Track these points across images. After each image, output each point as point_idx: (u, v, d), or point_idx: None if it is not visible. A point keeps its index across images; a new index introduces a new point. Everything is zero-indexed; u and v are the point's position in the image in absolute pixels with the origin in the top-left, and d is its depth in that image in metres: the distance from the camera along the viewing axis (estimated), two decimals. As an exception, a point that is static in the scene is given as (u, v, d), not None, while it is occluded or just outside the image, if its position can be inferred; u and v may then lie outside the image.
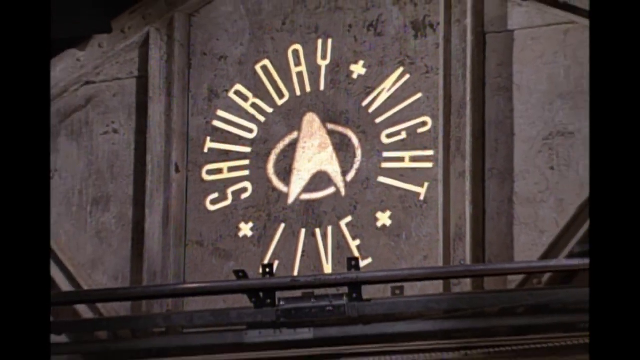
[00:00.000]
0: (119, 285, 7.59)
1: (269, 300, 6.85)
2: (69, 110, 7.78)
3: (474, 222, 6.87)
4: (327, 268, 7.09)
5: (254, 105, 7.42)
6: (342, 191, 7.17)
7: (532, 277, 6.72)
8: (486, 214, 6.90)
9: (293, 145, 7.34)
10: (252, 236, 7.31)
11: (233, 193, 7.41)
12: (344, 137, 7.20)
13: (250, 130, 7.42)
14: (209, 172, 7.48)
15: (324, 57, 7.30)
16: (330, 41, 7.30)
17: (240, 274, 7.00)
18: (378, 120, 7.16)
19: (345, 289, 6.75)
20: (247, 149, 7.43)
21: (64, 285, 7.50)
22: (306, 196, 7.25)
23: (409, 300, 6.78)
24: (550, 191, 6.75)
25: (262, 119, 7.42)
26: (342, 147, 7.20)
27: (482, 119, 6.95)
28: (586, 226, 6.52)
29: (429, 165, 6.99)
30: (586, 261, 6.35)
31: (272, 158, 7.34)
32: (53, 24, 7.62)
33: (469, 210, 6.87)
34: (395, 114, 7.11)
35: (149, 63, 7.65)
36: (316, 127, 7.27)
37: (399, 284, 6.80)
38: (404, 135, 7.07)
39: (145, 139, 7.63)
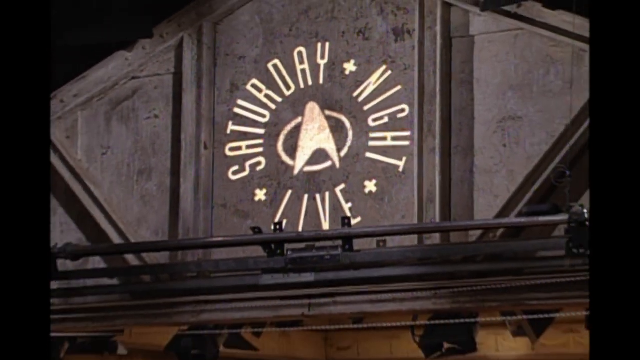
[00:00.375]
0: (160, 239, 7.64)
1: (279, 251, 6.87)
2: (119, 100, 7.80)
3: (442, 189, 6.89)
4: (325, 225, 7.12)
5: (266, 96, 7.42)
6: (337, 164, 7.18)
7: (488, 232, 6.75)
8: (452, 181, 6.93)
9: (298, 127, 7.35)
10: (265, 200, 7.36)
11: (250, 166, 7.42)
12: (339, 121, 7.21)
13: (263, 116, 7.43)
14: (231, 149, 7.49)
15: (322, 57, 7.30)
16: (327, 44, 7.30)
17: (256, 230, 7.04)
18: (366, 108, 7.17)
19: (339, 242, 6.78)
20: (261, 131, 7.43)
21: (116, 239, 7.56)
22: (308, 168, 7.27)
23: (390, 250, 6.82)
24: (503, 164, 6.77)
25: (273, 106, 7.43)
26: (337, 129, 7.21)
27: (448, 106, 6.97)
28: (532, 191, 6.60)
29: (407, 143, 7.01)
30: (532, 219, 6.45)
31: (281, 138, 7.35)
32: (107, 31, 7.71)
33: (438, 179, 6.88)
34: (379, 102, 7.13)
35: (182, 62, 7.66)
36: (316, 113, 7.29)
37: (382, 238, 6.82)
38: (386, 119, 7.07)
39: (180, 122, 7.63)
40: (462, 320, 7.02)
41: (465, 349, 7.39)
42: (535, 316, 7.12)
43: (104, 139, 7.84)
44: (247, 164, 7.48)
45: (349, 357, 12.51)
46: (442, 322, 7.08)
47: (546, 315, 7.08)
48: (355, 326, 7.90)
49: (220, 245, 7.33)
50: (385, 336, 12.15)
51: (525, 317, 7.38)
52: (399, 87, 7.10)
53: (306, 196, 7.26)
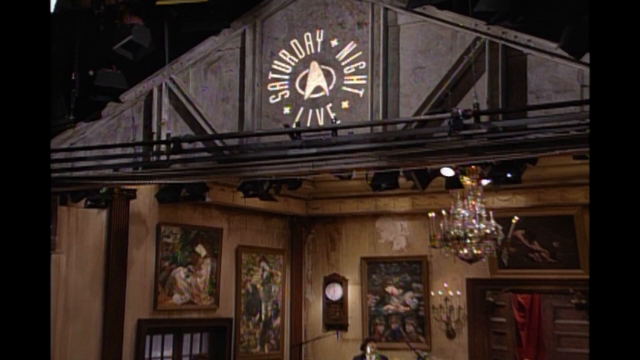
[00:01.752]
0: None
1: (298, 137, 6.82)
2: (211, 62, 7.67)
3: (383, 105, 6.84)
4: (321, 123, 7.03)
5: (289, 59, 7.30)
6: (327, 93, 7.08)
7: (408, 124, 6.76)
8: (388, 101, 6.85)
9: (306, 75, 7.21)
10: (290, 112, 7.24)
11: (281, 95, 7.31)
12: (328, 71, 7.10)
13: (287, 69, 7.32)
14: (271, 87, 7.37)
15: (319, 37, 7.19)
16: (322, 31, 7.20)
17: (285, 126, 7.03)
18: (343, 64, 7.07)
19: (330, 132, 6.72)
20: (287, 77, 7.31)
21: (210, 132, 7.51)
22: (312, 96, 7.16)
23: (356, 135, 6.74)
24: (415, 91, 6.75)
25: (292, 64, 7.30)
26: (327, 75, 7.10)
27: (386, 61, 6.88)
28: (430, 104, 6.66)
29: (364, 82, 6.94)
30: (431, 116, 6.54)
31: (298, 80, 7.22)
32: (205, 24, 7.56)
33: (381, 99, 6.84)
34: (351, 60, 7.04)
35: (245, 42, 7.51)
36: (316, 67, 7.16)
37: (351, 130, 6.75)
38: (353, 69, 6.98)
39: (244, 73, 7.49)
40: (392, 170, 7.09)
41: (392, 187, 7.38)
42: (428, 168, 7.14)
43: (203, 82, 7.71)
44: (279, 94, 7.35)
45: (318, 212, 12.54)
46: (381, 171, 7.14)
47: (434, 167, 7.14)
48: (339, 175, 7.79)
49: (266, 134, 7.22)
50: (336, 202, 12.27)
51: (415, 169, 7.32)
52: (360, 52, 7.01)
53: (311, 110, 7.15)
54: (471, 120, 6.15)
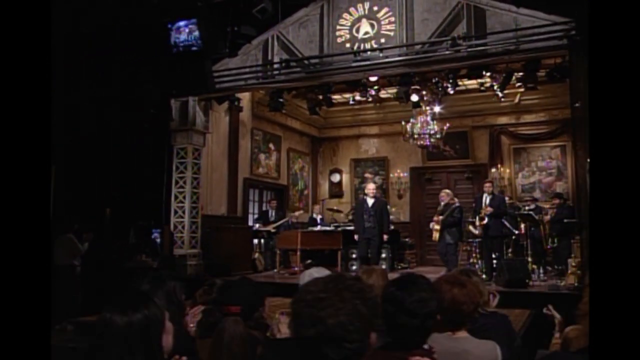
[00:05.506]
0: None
1: (357, 55, 6.73)
2: (303, 21, 7.36)
3: (405, 39, 6.69)
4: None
5: (349, 18, 7.05)
6: (372, 35, 6.86)
7: (422, 46, 6.63)
8: (407, 37, 6.67)
9: (359, 26, 6.99)
10: (349, 46, 6.96)
11: (343, 37, 7.04)
12: (372, 23, 6.91)
13: (347, 24, 7.05)
14: (337, 34, 7.08)
15: (367, 5, 7.00)
16: (368, 2, 6.98)
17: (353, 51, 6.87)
18: (380, 19, 6.88)
19: (375, 52, 6.64)
20: (347, 28, 7.05)
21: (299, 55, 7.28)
22: (363, 36, 6.91)
23: (390, 54, 6.67)
24: (423, 31, 6.63)
25: (350, 21, 7.06)
26: (372, 26, 6.91)
27: (406, 17, 6.70)
28: (435, 35, 6.54)
29: (394, 27, 6.75)
30: (435, 39, 6.30)
31: (354, 29, 7.00)
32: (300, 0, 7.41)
33: (405, 36, 6.70)
34: (385, 17, 6.84)
35: (323, 9, 7.26)
36: (365, 21, 6.94)
37: (387, 52, 6.67)
38: (387, 21, 6.83)
39: (322, 27, 7.21)
40: (412, 72, 7.09)
41: (407, 99, 7.27)
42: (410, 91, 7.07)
43: (298, 33, 7.38)
44: (343, 37, 7.03)
45: (326, 135, 12.27)
46: (402, 89, 7.14)
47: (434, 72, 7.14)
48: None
49: (336, 55, 6.98)
50: (336, 129, 12.07)
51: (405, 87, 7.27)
52: (391, 12, 6.83)
53: (362, 43, 6.88)
54: (460, 42, 6.33)
